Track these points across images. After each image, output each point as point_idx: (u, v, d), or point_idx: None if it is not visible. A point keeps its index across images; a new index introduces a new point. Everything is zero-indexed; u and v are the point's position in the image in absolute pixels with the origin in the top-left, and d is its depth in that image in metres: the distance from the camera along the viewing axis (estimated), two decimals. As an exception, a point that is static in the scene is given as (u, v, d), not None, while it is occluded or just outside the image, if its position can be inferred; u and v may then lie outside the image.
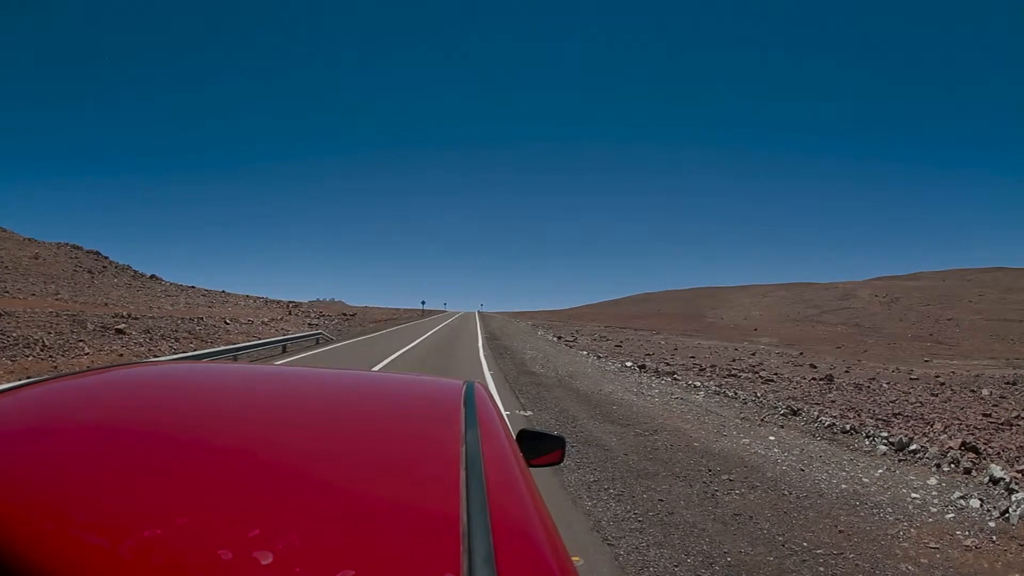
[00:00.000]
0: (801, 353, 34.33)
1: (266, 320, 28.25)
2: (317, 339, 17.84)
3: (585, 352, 20.21)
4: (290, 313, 33.72)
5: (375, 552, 0.61)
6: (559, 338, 29.31)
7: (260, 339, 19.19)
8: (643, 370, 15.75)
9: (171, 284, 60.11)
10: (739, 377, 17.71)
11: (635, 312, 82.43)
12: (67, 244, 60.78)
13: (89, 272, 50.80)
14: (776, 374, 20.28)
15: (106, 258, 62.69)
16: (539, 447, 1.78)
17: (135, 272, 61.72)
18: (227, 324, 25.12)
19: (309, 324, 27.57)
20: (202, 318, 25.58)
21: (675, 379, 14.16)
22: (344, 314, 36.66)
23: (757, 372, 19.26)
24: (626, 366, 16.02)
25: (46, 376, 1.64)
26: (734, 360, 25.51)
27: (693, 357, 25.26)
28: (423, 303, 63.17)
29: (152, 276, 62.72)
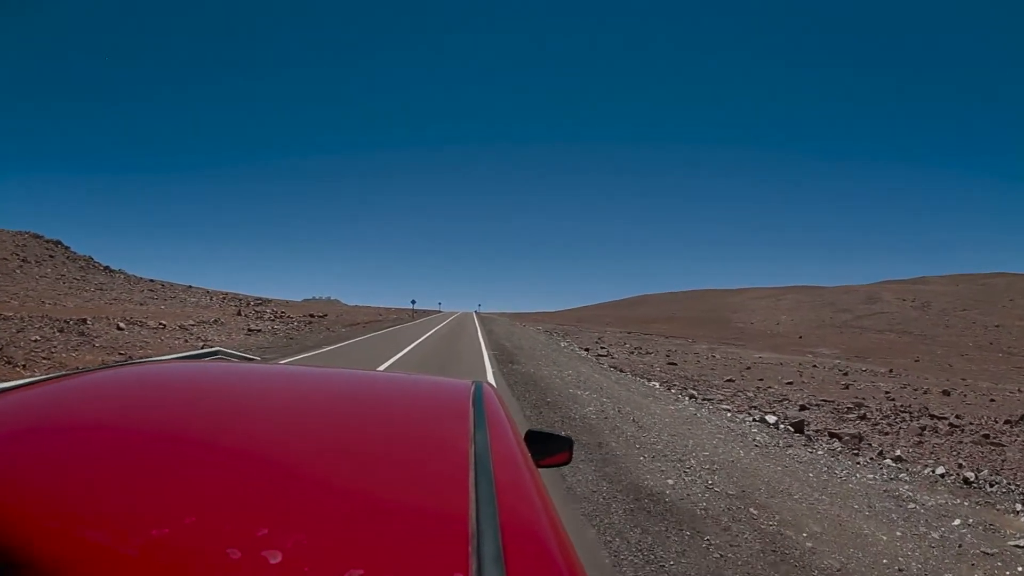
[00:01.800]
0: (891, 370, 26.98)
1: (191, 324, 20.62)
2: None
3: (658, 384, 12.61)
4: (240, 313, 26.04)
5: (383, 551, 0.60)
6: (586, 350, 21.75)
7: (141, 358, 11.71)
8: (803, 434, 8.23)
9: (125, 277, 52.48)
10: (934, 431, 10.22)
11: (647, 315, 74.98)
12: (27, 233, 53.69)
13: (24, 261, 43.56)
14: (958, 417, 12.96)
15: (67, 248, 55.30)
16: (547, 447, 1.72)
17: (88, 264, 54.06)
18: (120, 329, 17.57)
19: (249, 330, 19.92)
20: (85, 320, 18.00)
21: (906, 466, 6.72)
22: (313, 315, 28.94)
23: (943, 420, 11.72)
24: (774, 425, 8.45)
25: (50, 375, 1.31)
26: (846, 387, 18.08)
27: (791, 383, 17.76)
28: (413, 302, 54.90)
29: (106, 268, 55.24)
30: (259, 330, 19.62)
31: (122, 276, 51.05)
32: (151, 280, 53.09)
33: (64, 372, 1.37)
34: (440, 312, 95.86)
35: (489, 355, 14.85)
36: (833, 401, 14.56)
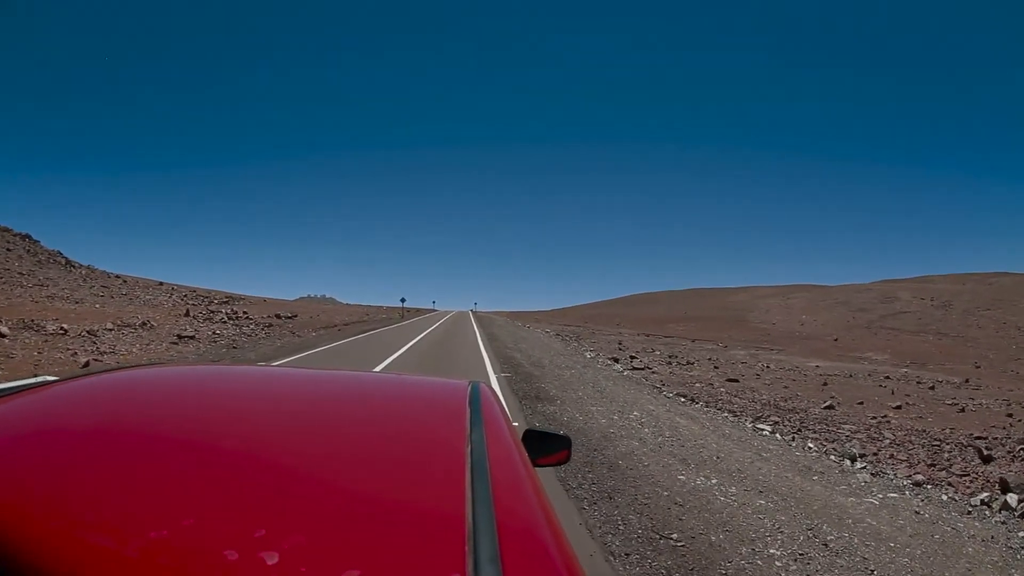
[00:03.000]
0: (967, 380, 22.53)
1: (109, 327, 15.97)
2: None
3: (767, 428, 8.11)
4: (188, 313, 21.31)
5: (380, 552, 0.60)
6: (615, 360, 17.18)
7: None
8: None
9: (87, 273, 47.46)
10: None
11: (657, 314, 70.43)
12: (-8, 225, 49.27)
13: (-28, 255, 39.41)
14: None
15: (35, 243, 50.51)
16: (545, 447, 1.65)
17: (49, 258, 48.97)
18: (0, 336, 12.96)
19: (179, 336, 15.26)
20: (-46, 325, 13.40)
21: None
22: (279, 315, 24.19)
23: None
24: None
25: (52, 377, 1.29)
26: (961, 410, 13.64)
27: (899, 407, 13.30)
28: (403, 301, 49.45)
29: (67, 263, 50.40)
30: (193, 336, 14.93)
31: (83, 271, 46.16)
32: (117, 276, 48.27)
33: (63, 376, 1.27)
34: (434, 311, 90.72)
35: (499, 379, 10.19)
36: (985, 438, 10.21)
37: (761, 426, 8.33)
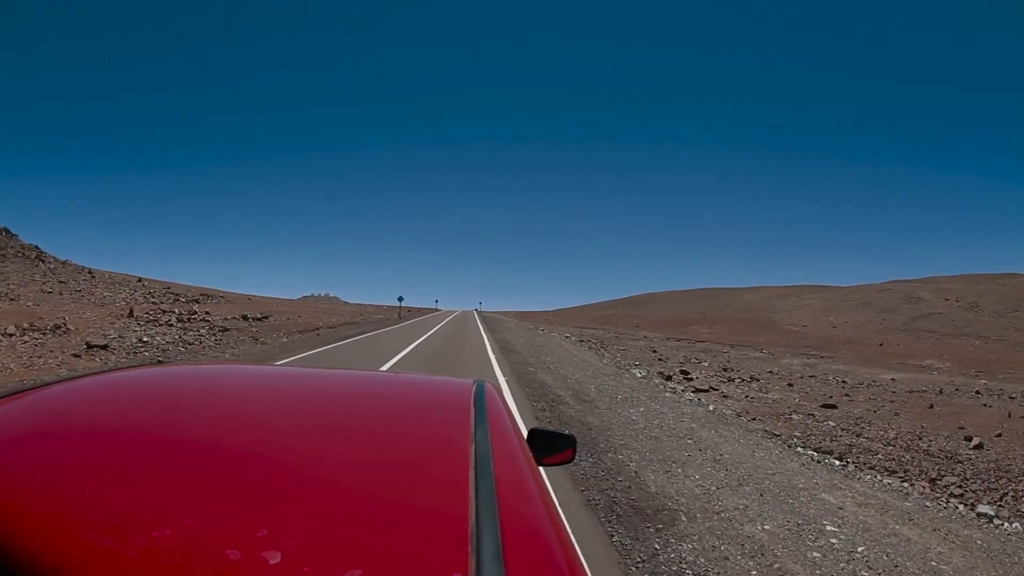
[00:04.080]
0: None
1: (5, 332, 12.27)
2: None
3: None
4: (131, 314, 17.57)
5: (383, 551, 0.59)
6: (668, 378, 13.46)
7: None
8: None
9: (52, 268, 43.92)
10: None
11: (675, 316, 66.58)
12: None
13: (-73, 247, 36.88)
14: None
15: (11, 236, 47.31)
16: (550, 446, 1.61)
17: (19, 252, 45.41)
18: None
19: (88, 346, 11.56)
20: None
21: None
22: (246, 317, 20.41)
23: None
24: None
25: (56, 377, 1.34)
26: None
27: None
28: (400, 300, 45.15)
29: (37, 257, 46.80)
30: (106, 346, 11.20)
31: (50, 266, 42.64)
32: (90, 271, 44.63)
33: (64, 376, 1.23)
34: (437, 311, 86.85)
35: (527, 416, 6.35)
36: None
37: (984, 509, 4.78)
